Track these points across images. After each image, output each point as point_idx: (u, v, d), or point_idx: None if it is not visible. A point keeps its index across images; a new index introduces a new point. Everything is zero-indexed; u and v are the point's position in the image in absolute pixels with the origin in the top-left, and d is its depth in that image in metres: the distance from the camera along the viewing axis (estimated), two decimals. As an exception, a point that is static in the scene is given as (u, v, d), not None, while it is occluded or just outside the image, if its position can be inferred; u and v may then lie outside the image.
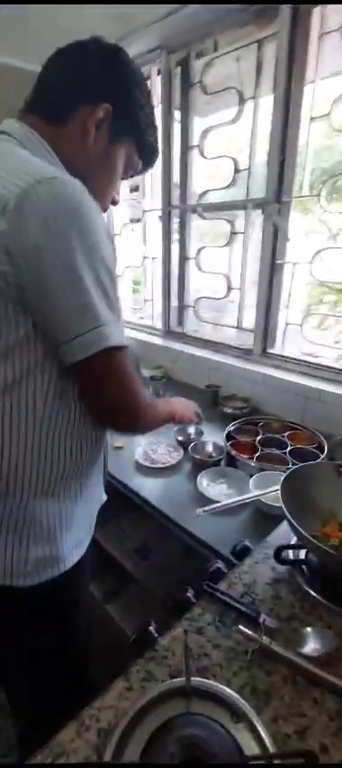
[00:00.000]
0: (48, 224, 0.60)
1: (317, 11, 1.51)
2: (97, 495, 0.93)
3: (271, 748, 0.51)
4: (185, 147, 2.11)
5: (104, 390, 0.71)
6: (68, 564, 0.80)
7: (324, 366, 1.72)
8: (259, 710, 0.56)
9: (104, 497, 0.99)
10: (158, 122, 2.13)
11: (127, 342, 0.72)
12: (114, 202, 0.91)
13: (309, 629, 0.66)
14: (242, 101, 1.81)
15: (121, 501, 1.35)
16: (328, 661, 0.62)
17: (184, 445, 1.57)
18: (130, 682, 0.60)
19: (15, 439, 0.69)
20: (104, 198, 0.86)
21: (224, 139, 2.01)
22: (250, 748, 0.51)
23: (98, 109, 0.75)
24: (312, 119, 1.60)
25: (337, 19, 1.47)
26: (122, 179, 0.89)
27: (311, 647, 0.63)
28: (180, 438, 1.61)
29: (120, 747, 0.51)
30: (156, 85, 2.09)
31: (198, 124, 2.06)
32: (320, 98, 1.58)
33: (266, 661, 0.63)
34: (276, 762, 0.50)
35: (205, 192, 2.11)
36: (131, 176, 0.92)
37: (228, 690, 0.58)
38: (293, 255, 1.78)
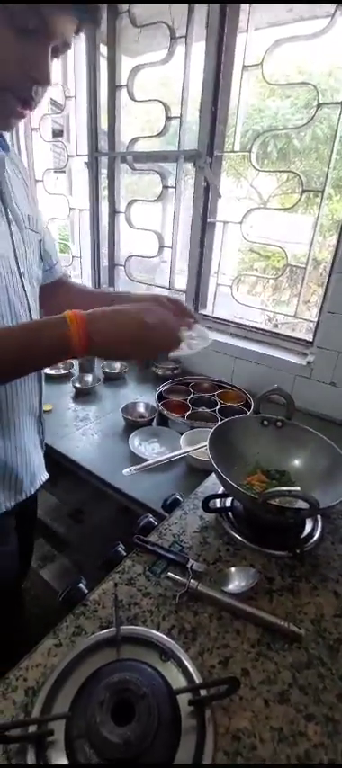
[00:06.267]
0: None
1: None
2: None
3: (197, 679, 0.54)
4: (113, 87, 1.97)
5: None
6: None
7: (252, 328, 1.79)
8: (187, 647, 0.59)
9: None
10: (82, 56, 1.93)
11: None
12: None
13: (233, 569, 0.70)
14: (174, 38, 1.72)
15: (55, 467, 1.31)
16: (250, 595, 0.67)
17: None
18: (60, 638, 0.60)
19: None
20: None
21: (155, 84, 1.92)
22: (178, 682, 0.54)
23: None
24: (245, 67, 1.57)
25: None
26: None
27: (235, 584, 0.67)
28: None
29: (48, 702, 0.51)
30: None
31: (127, 64, 1.93)
32: (254, 49, 1.56)
33: (194, 603, 0.66)
34: (202, 690, 0.53)
35: (135, 140, 2.00)
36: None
37: (157, 633, 0.60)
38: (225, 216, 1.80)
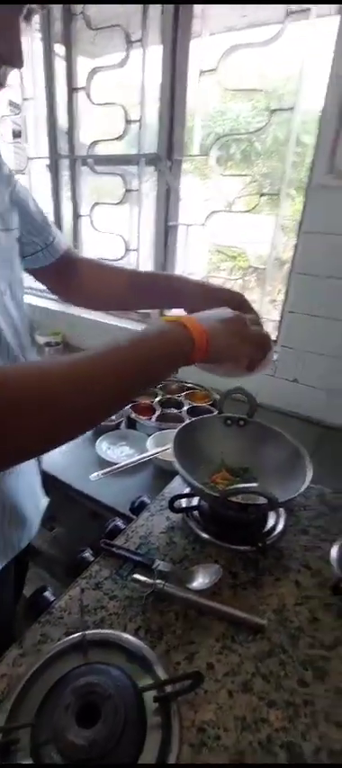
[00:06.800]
0: None
1: None
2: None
3: (163, 676, 0.55)
4: (71, 88, 1.97)
5: None
6: None
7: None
8: (153, 646, 0.60)
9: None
10: (38, 56, 1.93)
11: None
12: None
13: (197, 566, 0.72)
14: (129, 42, 1.73)
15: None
16: (215, 591, 0.69)
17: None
18: (24, 648, 0.59)
19: None
20: None
21: (114, 86, 1.93)
22: (144, 681, 0.55)
23: None
24: (201, 72, 1.61)
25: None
26: None
27: (199, 581, 0.69)
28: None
29: (14, 711, 0.51)
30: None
31: (85, 65, 1.94)
32: (212, 53, 1.60)
33: (160, 602, 0.67)
34: (168, 687, 0.54)
35: (95, 143, 2.01)
36: None
37: (123, 634, 0.61)
38: (191, 218, 1.82)
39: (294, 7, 1.39)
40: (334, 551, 0.77)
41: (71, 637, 0.60)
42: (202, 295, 0.79)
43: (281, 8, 1.41)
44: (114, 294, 0.93)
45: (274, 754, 0.50)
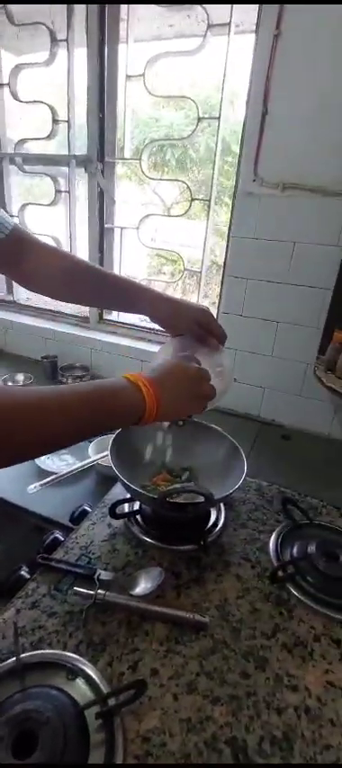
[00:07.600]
0: None
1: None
2: None
3: (105, 690, 0.53)
4: None
5: None
6: None
7: (158, 331, 1.83)
8: (95, 660, 0.58)
9: None
10: None
11: None
12: None
13: (141, 571, 0.71)
14: (54, 41, 1.69)
15: None
16: (159, 594, 0.68)
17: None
18: None
19: None
20: None
21: (43, 85, 1.87)
22: (86, 698, 0.53)
23: None
24: (128, 77, 1.61)
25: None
26: None
27: (142, 586, 0.68)
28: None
29: None
30: None
31: (11, 61, 1.85)
32: (136, 59, 1.61)
33: (102, 613, 0.65)
34: (111, 700, 0.52)
35: (23, 141, 1.94)
36: None
37: (63, 652, 0.58)
38: (127, 222, 1.81)
39: (215, 21, 1.45)
40: (271, 541, 0.80)
41: (5, 663, 0.56)
42: (171, 312, 0.81)
43: (204, 21, 1.46)
44: (58, 277, 0.87)
45: (219, 751, 0.50)
